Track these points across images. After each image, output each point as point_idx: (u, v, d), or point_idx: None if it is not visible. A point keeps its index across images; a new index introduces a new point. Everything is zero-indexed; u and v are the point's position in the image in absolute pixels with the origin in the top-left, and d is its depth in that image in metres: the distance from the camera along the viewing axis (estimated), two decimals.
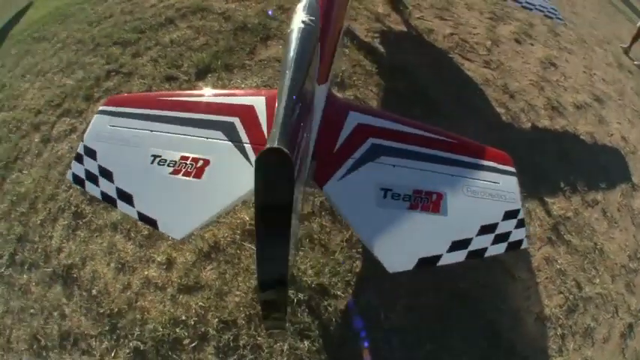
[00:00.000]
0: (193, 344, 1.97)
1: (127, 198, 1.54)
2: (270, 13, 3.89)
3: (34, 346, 2.19)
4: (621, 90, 4.44)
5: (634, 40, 5.27)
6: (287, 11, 3.87)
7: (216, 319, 2.01)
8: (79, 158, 1.69)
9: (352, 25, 3.90)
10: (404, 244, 1.45)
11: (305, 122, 1.03)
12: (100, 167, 1.63)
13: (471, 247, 1.45)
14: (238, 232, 2.35)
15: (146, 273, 2.26)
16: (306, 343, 1.99)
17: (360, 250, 2.31)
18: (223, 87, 3.20)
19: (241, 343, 1.97)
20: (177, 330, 2.00)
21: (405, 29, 4.10)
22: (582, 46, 4.93)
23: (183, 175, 1.48)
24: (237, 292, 2.13)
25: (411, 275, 2.16)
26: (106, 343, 2.07)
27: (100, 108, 1.78)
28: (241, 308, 2.07)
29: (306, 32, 1.06)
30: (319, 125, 1.61)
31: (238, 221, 2.40)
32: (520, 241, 1.51)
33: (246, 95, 1.78)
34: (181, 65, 3.48)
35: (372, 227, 1.46)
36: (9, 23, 6.08)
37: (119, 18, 4.05)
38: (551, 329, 2.30)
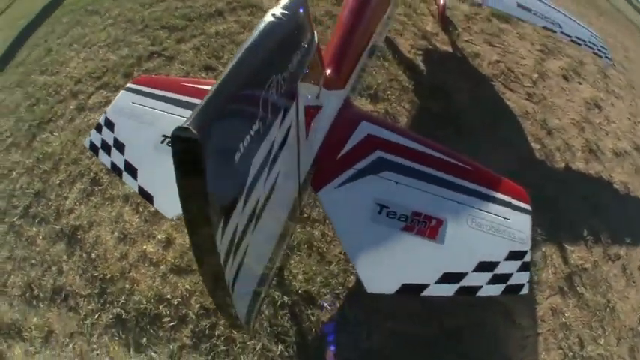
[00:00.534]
0: (172, 323, 2.08)
1: (132, 171, 1.69)
2: None
3: (27, 294, 2.38)
4: None
5: None
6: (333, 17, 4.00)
7: (199, 305, 2.11)
8: (98, 128, 1.88)
9: (397, 39, 4.02)
10: (389, 266, 1.42)
11: (257, 117, 0.99)
12: (115, 139, 1.80)
13: (463, 282, 1.40)
14: None
15: (144, 247, 2.40)
16: (280, 346, 2.04)
17: None
18: None
19: (217, 332, 2.05)
20: (160, 307, 2.12)
21: (450, 50, 4.16)
22: (630, 92, 4.83)
23: None
24: None
25: (404, 300, 2.21)
26: (93, 304, 2.22)
27: (128, 85, 1.94)
28: None
29: (270, 25, 1.02)
30: (327, 131, 1.63)
31: None
32: (520, 286, 1.45)
33: None
34: (221, 57, 3.68)
35: (360, 241, 1.44)
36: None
37: (171, 3, 4.34)
38: None
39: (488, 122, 3.44)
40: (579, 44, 3.05)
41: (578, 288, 2.60)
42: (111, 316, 2.15)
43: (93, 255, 2.40)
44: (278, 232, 1.46)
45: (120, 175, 1.78)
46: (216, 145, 0.82)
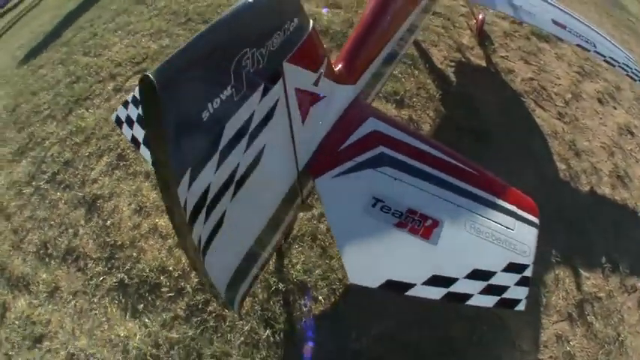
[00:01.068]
0: (170, 294, 2.23)
1: (149, 145, 1.82)
2: (325, 10, 4.29)
3: (41, 252, 2.64)
4: None
5: None
6: None
7: (197, 280, 2.25)
8: (125, 104, 2.12)
9: (430, 50, 4.16)
10: (376, 260, 1.43)
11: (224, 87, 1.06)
12: (138, 115, 2.02)
13: (452, 288, 1.38)
14: None
15: (157, 221, 2.59)
16: (267, 331, 2.14)
17: None
18: None
19: (209, 309, 2.19)
20: (162, 277, 2.28)
21: (484, 64, 4.25)
22: None
23: None
24: None
25: (401, 306, 2.25)
26: (100, 268, 2.42)
27: None
28: None
29: (244, 3, 1.07)
30: (334, 122, 1.71)
31: None
32: (516, 301, 1.40)
33: None
34: None
35: (349, 231, 1.46)
36: None
37: (215, 0, 4.65)
38: None
39: (514, 137, 3.48)
40: (613, 65, 3.08)
41: (588, 317, 2.55)
42: (115, 280, 2.33)
43: (108, 223, 2.62)
44: (270, 212, 1.51)
45: (137, 146, 2.01)
46: (178, 97, 0.93)
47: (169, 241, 2.46)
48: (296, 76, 1.39)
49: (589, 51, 3.10)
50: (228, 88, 1.07)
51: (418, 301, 1.39)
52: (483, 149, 3.22)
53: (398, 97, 3.45)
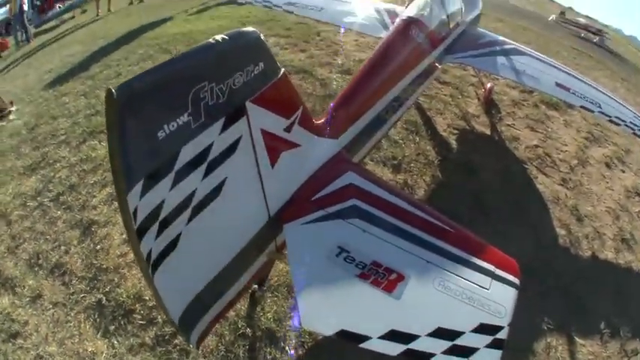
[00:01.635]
0: (141, 322, 2.55)
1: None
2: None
3: (32, 260, 3.01)
4: None
5: None
6: None
7: None
8: None
9: (435, 118, 4.60)
10: (332, 308, 1.46)
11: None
12: None
13: (412, 345, 1.37)
14: None
15: None
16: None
17: None
18: None
19: (175, 341, 2.46)
20: (137, 305, 2.62)
21: (488, 132, 4.67)
22: None
23: None
24: None
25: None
26: (83, 285, 2.76)
27: None
28: None
29: (208, 44, 1.25)
30: (311, 173, 1.86)
31: None
32: None
33: None
34: None
35: (309, 276, 1.51)
36: (145, 27, 8.35)
37: None
38: None
39: (512, 203, 3.66)
40: (619, 124, 3.29)
41: None
42: (93, 300, 2.67)
43: (98, 247, 3.01)
44: (234, 250, 1.60)
45: None
46: (135, 113, 1.07)
47: None
48: (262, 117, 1.50)
49: (593, 112, 3.30)
50: (185, 115, 1.20)
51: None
52: (479, 214, 3.40)
53: (395, 162, 3.86)
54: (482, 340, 1.39)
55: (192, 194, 1.34)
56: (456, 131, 4.55)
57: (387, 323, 1.40)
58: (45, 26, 13.95)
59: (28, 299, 2.74)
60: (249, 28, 1.40)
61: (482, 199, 3.62)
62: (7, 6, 14.20)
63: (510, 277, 1.58)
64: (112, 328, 2.54)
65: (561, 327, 2.80)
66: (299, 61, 5.77)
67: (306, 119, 1.79)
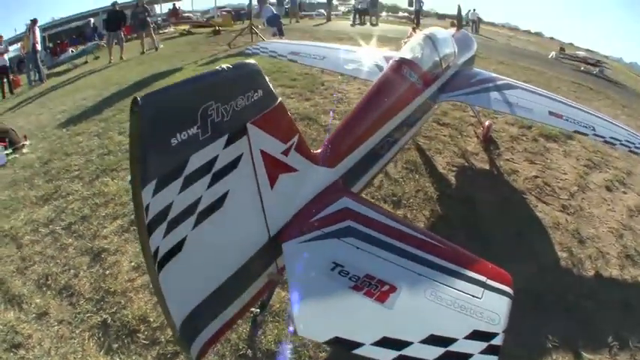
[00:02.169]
0: (145, 342, 2.78)
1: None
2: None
3: (41, 281, 3.29)
4: None
5: None
6: None
7: (172, 334, 2.82)
8: None
9: (435, 157, 4.98)
10: (326, 316, 1.60)
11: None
12: None
13: (405, 352, 1.48)
14: None
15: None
16: None
17: None
18: None
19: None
20: (141, 326, 2.87)
21: (487, 167, 4.99)
22: None
23: None
24: None
25: None
26: (89, 306, 3.02)
27: None
28: None
29: (216, 71, 1.51)
30: (308, 200, 2.08)
31: None
32: None
33: None
34: None
35: (304, 288, 1.66)
36: (156, 75, 9.20)
37: None
38: None
39: (511, 232, 3.83)
40: (614, 144, 3.49)
41: None
42: (99, 319, 2.92)
43: (107, 272, 3.30)
44: (235, 264, 1.77)
45: None
46: (155, 120, 1.27)
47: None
48: (261, 138, 1.72)
49: (587, 135, 3.52)
50: (195, 127, 1.41)
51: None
52: (478, 244, 3.53)
53: (395, 198, 4.19)
54: (476, 347, 1.48)
55: (198, 201, 1.52)
56: (455, 168, 4.90)
57: (380, 331, 1.52)
58: (58, 69, 14.92)
59: (33, 315, 2.99)
60: (251, 61, 1.68)
61: (481, 229, 3.83)
62: (20, 44, 15.35)
63: (503, 287, 1.68)
64: (115, 346, 2.76)
65: (567, 344, 2.88)
66: (304, 109, 6.37)
67: (303, 147, 2.03)
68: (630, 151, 3.56)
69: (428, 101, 3.72)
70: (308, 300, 1.64)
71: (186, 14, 30.52)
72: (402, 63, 3.42)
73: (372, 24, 22.82)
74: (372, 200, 4.12)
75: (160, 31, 21.48)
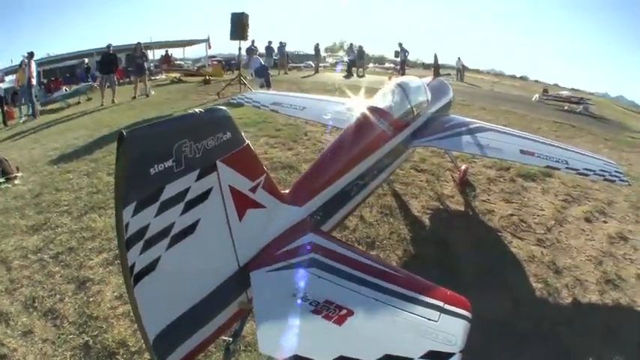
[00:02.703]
0: None
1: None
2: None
3: (28, 303, 3.59)
4: None
5: None
6: None
7: (149, 359, 3.15)
8: None
9: (410, 201, 5.28)
10: (287, 336, 1.74)
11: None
12: None
13: None
14: None
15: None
16: None
17: None
18: None
19: None
20: (121, 350, 3.17)
21: (462, 209, 5.22)
22: None
23: None
24: None
25: None
26: (72, 329, 3.32)
27: None
28: None
29: (191, 113, 1.76)
30: (276, 235, 2.28)
31: None
32: None
33: None
34: None
35: (268, 311, 1.84)
36: (146, 121, 9.67)
37: None
38: None
39: (484, 268, 3.97)
40: (588, 174, 3.61)
41: None
42: (81, 341, 3.21)
43: (91, 299, 3.62)
44: (206, 289, 1.93)
45: None
46: (136, 152, 1.50)
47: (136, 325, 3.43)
48: (229, 175, 1.93)
49: (559, 169, 3.65)
50: (170, 161, 1.62)
51: None
52: (450, 280, 3.41)
53: (369, 240, 4.44)
54: None
55: (172, 225, 1.71)
56: (429, 211, 5.16)
57: (337, 350, 1.65)
58: (52, 106, 15.45)
59: (19, 332, 3.27)
60: (221, 107, 1.92)
61: (454, 268, 3.98)
62: (15, 75, 15.60)
63: (460, 311, 1.80)
64: None
65: None
66: (286, 158, 6.89)
67: (271, 186, 2.26)
68: (605, 180, 3.67)
69: (399, 146, 3.92)
70: (271, 321, 1.80)
71: (178, 62, 31.81)
72: (372, 110, 3.68)
73: (358, 75, 24.19)
74: (346, 241, 4.29)
75: (152, 77, 22.41)
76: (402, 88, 4.34)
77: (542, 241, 4.56)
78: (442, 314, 1.78)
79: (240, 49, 15.22)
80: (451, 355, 1.61)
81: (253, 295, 1.96)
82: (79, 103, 16.22)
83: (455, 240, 4.47)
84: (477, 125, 4.63)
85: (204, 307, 1.92)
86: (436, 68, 6.88)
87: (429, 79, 5.91)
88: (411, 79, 4.82)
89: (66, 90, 18.36)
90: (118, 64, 17.73)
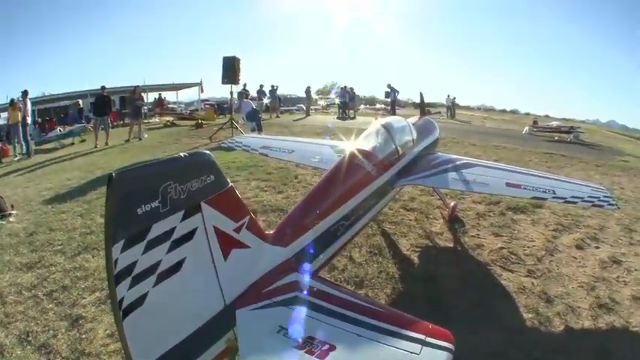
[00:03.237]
0: None
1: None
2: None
3: (22, 336, 3.76)
4: None
5: None
6: None
7: None
8: None
9: (399, 240, 5.42)
10: None
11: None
12: None
13: None
14: None
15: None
16: None
17: None
18: None
19: None
20: None
21: (451, 245, 5.29)
22: None
23: None
24: None
25: None
26: None
27: None
28: None
29: (177, 157, 1.90)
30: (261, 274, 2.37)
31: None
32: None
33: None
34: None
35: (252, 346, 1.93)
36: (139, 164, 10.09)
37: None
38: None
39: (474, 301, 4.04)
40: (576, 202, 3.67)
41: None
42: None
43: (84, 336, 3.81)
44: (193, 325, 2.00)
45: None
46: (124, 192, 1.64)
47: None
48: (214, 216, 2.03)
49: (546, 199, 3.72)
50: (157, 201, 1.73)
51: None
52: (440, 314, 3.77)
53: (358, 279, 4.53)
54: None
55: (159, 263, 1.80)
56: (418, 249, 5.28)
57: None
58: (46, 146, 15.78)
59: None
60: (205, 151, 2.06)
61: (443, 302, 4.06)
62: (6, 113, 15.74)
63: (443, 344, 1.84)
64: None
65: None
66: (276, 201, 7.17)
67: (255, 227, 2.34)
68: (594, 205, 3.73)
69: (384, 186, 4.03)
70: (255, 356, 1.91)
71: (171, 105, 32.57)
72: (356, 152, 3.76)
73: (349, 117, 25.13)
74: (335, 281, 4.47)
75: (145, 121, 22.98)
76: (386, 128, 4.47)
77: (532, 272, 4.65)
78: (424, 347, 1.83)
79: (232, 93, 15.82)
80: None
81: (238, 332, 2.06)
82: (72, 144, 16.63)
83: (444, 276, 4.58)
84: (463, 161, 4.76)
85: (191, 343, 2.00)
86: (422, 107, 7.13)
87: (415, 118, 6.18)
88: (396, 119, 4.99)
89: (60, 130, 18.84)
90: (111, 107, 18.15)
